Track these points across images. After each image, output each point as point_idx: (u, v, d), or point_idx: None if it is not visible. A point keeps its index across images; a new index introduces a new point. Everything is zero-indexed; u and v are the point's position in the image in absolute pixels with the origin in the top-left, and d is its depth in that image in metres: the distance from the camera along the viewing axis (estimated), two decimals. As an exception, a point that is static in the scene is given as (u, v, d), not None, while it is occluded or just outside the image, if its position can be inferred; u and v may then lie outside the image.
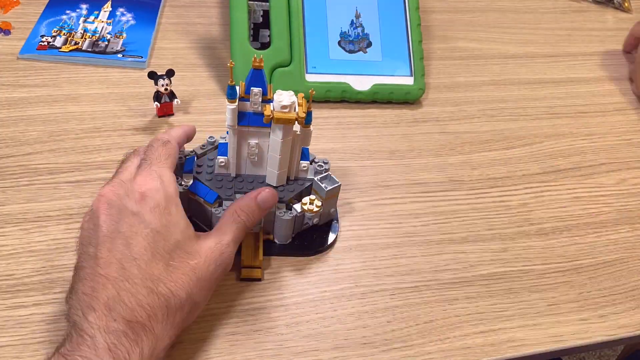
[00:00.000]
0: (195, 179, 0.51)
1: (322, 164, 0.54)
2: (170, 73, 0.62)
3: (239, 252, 0.49)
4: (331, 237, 0.54)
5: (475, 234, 0.57)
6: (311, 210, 0.51)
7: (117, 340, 0.36)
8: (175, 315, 0.40)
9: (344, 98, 0.69)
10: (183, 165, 0.52)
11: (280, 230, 0.52)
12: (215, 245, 0.44)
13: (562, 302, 0.53)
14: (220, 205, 0.50)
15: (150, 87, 0.62)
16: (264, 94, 0.48)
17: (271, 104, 0.47)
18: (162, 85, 0.62)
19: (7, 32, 0.72)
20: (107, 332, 0.37)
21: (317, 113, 0.68)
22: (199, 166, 0.52)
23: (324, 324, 0.48)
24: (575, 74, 0.81)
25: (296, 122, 0.47)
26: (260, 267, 0.50)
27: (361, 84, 0.69)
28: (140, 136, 0.62)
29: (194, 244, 0.42)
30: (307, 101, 0.48)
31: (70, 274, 0.48)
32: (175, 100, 0.63)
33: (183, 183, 0.50)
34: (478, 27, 0.86)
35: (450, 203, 0.60)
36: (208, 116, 0.65)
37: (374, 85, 0.69)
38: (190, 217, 0.49)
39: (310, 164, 0.53)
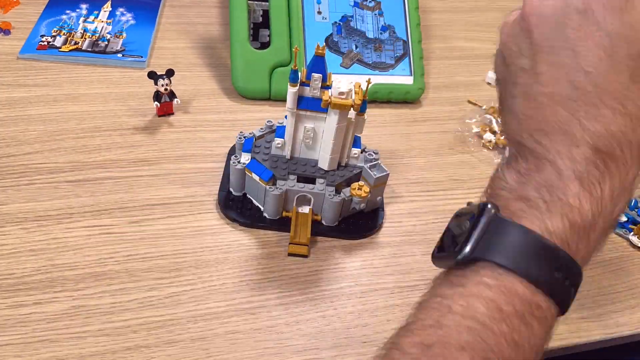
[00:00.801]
0: (252, 158, 0.54)
1: (372, 154, 0.56)
2: (170, 73, 0.62)
3: (288, 229, 0.53)
4: (377, 223, 0.56)
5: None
6: (359, 195, 0.53)
7: (586, 170, 0.31)
8: None
9: None
10: (242, 145, 0.55)
11: (329, 212, 0.54)
12: None
13: (561, 301, 0.53)
14: (274, 184, 0.53)
15: (150, 87, 0.62)
16: (324, 80, 0.50)
17: (329, 90, 0.49)
18: (162, 85, 0.62)
19: (7, 32, 0.72)
20: (570, 158, 0.31)
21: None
22: (256, 147, 0.55)
23: (324, 323, 0.48)
24: (574, 74, 0.81)
25: (352, 108, 0.49)
26: (307, 245, 0.52)
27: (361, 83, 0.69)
28: (140, 136, 0.62)
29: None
30: (364, 91, 0.50)
31: (71, 272, 0.49)
32: (175, 99, 0.63)
33: (241, 161, 0.53)
34: (477, 26, 0.86)
35: (450, 202, 0.60)
36: (208, 115, 0.66)
37: (374, 84, 0.69)
38: (244, 194, 0.55)
39: (362, 152, 0.55)
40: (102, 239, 0.52)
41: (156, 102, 0.63)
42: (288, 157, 0.54)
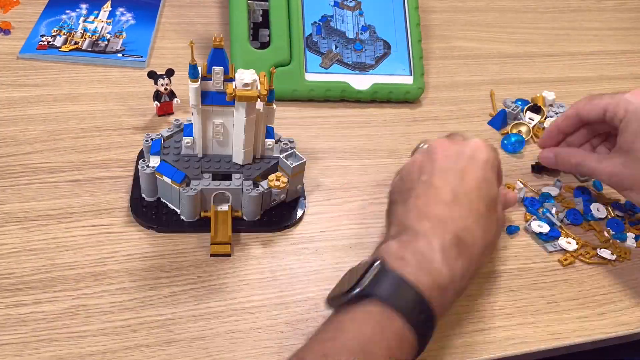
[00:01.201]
0: (162, 160, 0.52)
1: (288, 142, 0.55)
2: (169, 72, 0.62)
3: (208, 230, 0.51)
4: (299, 212, 0.56)
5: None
6: (278, 187, 0.52)
7: (449, 246, 0.41)
8: (487, 250, 0.45)
9: (344, 97, 0.69)
10: (149, 148, 0.53)
11: (249, 207, 0.53)
12: (502, 213, 0.48)
13: (561, 300, 0.53)
14: (188, 184, 0.51)
15: (150, 87, 0.63)
16: (226, 72, 0.48)
17: (233, 82, 0.48)
18: (162, 85, 0.62)
19: (7, 32, 0.72)
20: (442, 239, 0.42)
21: (317, 112, 0.68)
22: (165, 148, 0.53)
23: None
24: (573, 74, 0.81)
25: (259, 99, 0.48)
26: (229, 243, 0.51)
27: (361, 83, 0.69)
28: (140, 135, 0.62)
29: (497, 204, 0.47)
30: (269, 79, 0.49)
31: (71, 272, 0.49)
32: (175, 99, 0.63)
33: (150, 164, 0.51)
34: (477, 26, 0.87)
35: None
36: (208, 115, 0.66)
37: (374, 84, 0.69)
38: (158, 199, 0.53)
39: (276, 142, 0.55)
40: (102, 238, 0.52)
41: (156, 102, 0.63)
42: (200, 155, 0.52)
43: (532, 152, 0.67)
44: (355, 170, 0.62)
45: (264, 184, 0.53)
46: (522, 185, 0.63)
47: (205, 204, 0.52)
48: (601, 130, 0.58)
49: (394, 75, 0.70)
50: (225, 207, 0.53)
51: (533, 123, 0.70)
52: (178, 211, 0.53)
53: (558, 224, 0.58)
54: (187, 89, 0.67)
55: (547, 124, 0.70)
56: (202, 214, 0.53)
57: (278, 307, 0.49)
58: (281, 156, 0.53)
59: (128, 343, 0.45)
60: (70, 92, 0.66)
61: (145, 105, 0.65)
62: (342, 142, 0.65)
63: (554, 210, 0.59)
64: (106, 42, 0.72)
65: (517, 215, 0.60)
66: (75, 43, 0.71)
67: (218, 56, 0.47)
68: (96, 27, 0.74)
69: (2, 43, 0.71)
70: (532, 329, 0.50)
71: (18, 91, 0.65)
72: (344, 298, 0.40)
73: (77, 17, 0.75)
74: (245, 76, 0.47)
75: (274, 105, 0.51)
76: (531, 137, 0.69)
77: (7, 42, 0.71)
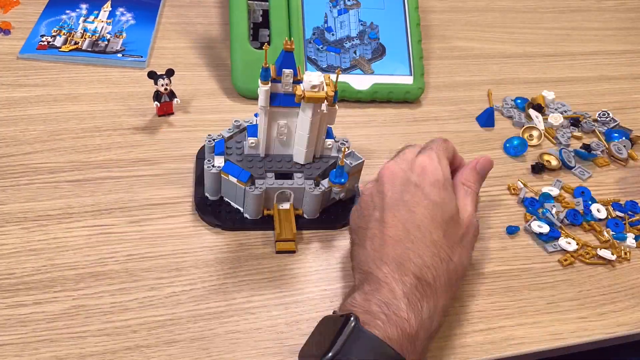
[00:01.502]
0: (227, 160, 0.53)
1: (344, 142, 0.56)
2: (170, 73, 0.62)
3: (270, 227, 0.53)
4: None
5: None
6: (338, 186, 0.53)
7: (412, 292, 0.41)
8: (454, 278, 0.44)
9: (344, 97, 0.69)
10: (213, 149, 0.54)
11: (310, 205, 0.54)
12: (469, 217, 0.47)
13: (561, 300, 0.53)
14: (253, 183, 0.52)
15: (150, 87, 0.63)
16: (294, 75, 0.50)
17: (301, 84, 0.49)
18: (162, 85, 0.62)
19: (7, 32, 0.72)
20: (402, 282, 0.41)
21: None
22: (228, 148, 0.54)
23: (324, 322, 0.48)
24: (573, 74, 0.81)
25: (325, 101, 0.49)
26: (294, 240, 0.53)
27: (361, 83, 0.69)
28: (140, 135, 0.62)
29: (459, 217, 0.46)
30: (334, 82, 0.50)
31: (71, 272, 0.49)
32: (175, 99, 0.63)
33: (215, 164, 0.53)
34: (477, 26, 0.87)
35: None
36: (208, 115, 0.66)
37: (374, 84, 0.69)
38: (221, 197, 0.54)
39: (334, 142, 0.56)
40: (102, 238, 0.52)
41: (156, 102, 0.63)
42: (262, 155, 0.54)
43: (532, 153, 0.67)
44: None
45: (324, 182, 0.54)
46: (522, 186, 0.63)
47: (267, 202, 0.54)
48: None
49: (394, 75, 0.70)
50: (286, 206, 0.54)
51: (540, 123, 0.70)
52: (241, 209, 0.54)
53: (558, 224, 0.58)
54: (186, 89, 0.68)
55: (551, 119, 0.71)
56: (265, 212, 0.54)
57: (278, 308, 0.49)
58: (340, 155, 0.55)
59: (128, 343, 0.45)
60: (70, 92, 0.66)
61: (145, 106, 0.65)
62: (342, 142, 0.65)
63: (554, 211, 0.59)
64: (106, 42, 0.72)
65: (517, 216, 0.60)
66: (75, 43, 0.71)
67: (288, 59, 0.48)
68: (96, 27, 0.74)
69: (2, 43, 0.71)
70: (532, 329, 0.50)
71: (18, 91, 0.65)
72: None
73: (77, 17, 0.75)
74: (313, 78, 0.48)
75: (337, 106, 0.52)
76: (542, 140, 0.69)
77: (7, 42, 0.71)
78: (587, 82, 0.80)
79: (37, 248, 0.50)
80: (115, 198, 0.55)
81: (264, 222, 0.54)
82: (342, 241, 0.55)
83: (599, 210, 0.60)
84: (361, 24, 0.71)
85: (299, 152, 0.53)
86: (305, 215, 0.55)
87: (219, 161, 0.53)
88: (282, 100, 0.50)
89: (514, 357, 0.49)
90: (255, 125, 0.53)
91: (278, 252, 0.53)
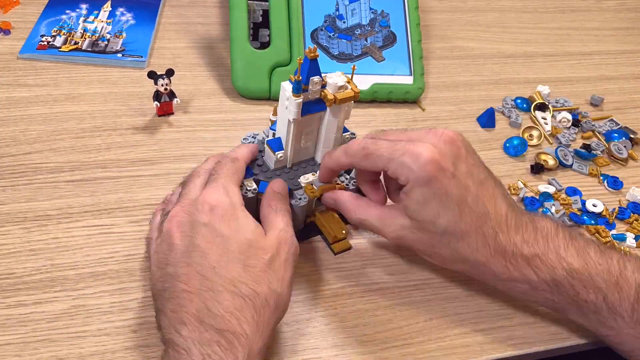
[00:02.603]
0: (258, 181, 0.52)
1: (353, 134, 0.56)
2: (169, 73, 0.62)
3: (321, 233, 0.53)
4: None
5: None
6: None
7: (211, 349, 0.37)
8: (263, 313, 0.40)
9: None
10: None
11: None
12: (279, 233, 0.44)
13: (561, 300, 0.53)
14: (291, 196, 0.51)
15: (150, 87, 0.63)
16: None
17: (326, 88, 0.49)
18: (162, 85, 0.62)
19: (7, 32, 0.72)
20: (201, 343, 0.37)
21: None
22: (251, 168, 0.53)
23: (324, 322, 0.48)
24: (573, 74, 0.81)
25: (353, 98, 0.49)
26: (346, 238, 0.53)
27: (360, 83, 0.69)
28: (140, 135, 0.62)
29: (264, 240, 0.43)
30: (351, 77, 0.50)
31: (71, 272, 0.49)
32: (175, 99, 0.63)
33: (250, 188, 0.50)
34: (477, 26, 0.87)
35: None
36: (208, 115, 0.66)
37: (374, 84, 0.69)
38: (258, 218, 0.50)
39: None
40: (102, 238, 0.52)
41: (156, 102, 0.63)
42: (289, 166, 0.53)
43: (532, 153, 0.67)
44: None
45: (353, 175, 0.54)
46: (522, 185, 0.63)
47: (307, 209, 0.53)
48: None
49: (394, 75, 0.70)
50: (323, 208, 0.54)
51: (548, 124, 0.70)
52: None
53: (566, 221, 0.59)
54: (186, 89, 0.68)
55: (559, 117, 0.71)
56: (307, 220, 0.54)
57: (278, 307, 0.49)
58: None
59: (128, 343, 0.45)
60: (70, 92, 0.66)
61: (145, 105, 0.65)
62: (342, 142, 0.65)
63: (553, 210, 0.59)
64: (106, 42, 0.72)
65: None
66: (75, 43, 0.71)
67: (314, 67, 0.48)
68: (96, 27, 0.74)
69: (2, 43, 0.71)
70: (533, 328, 0.50)
71: (18, 91, 0.65)
72: None
73: (77, 17, 0.75)
74: (337, 80, 0.48)
75: (352, 102, 0.51)
76: (544, 139, 0.69)
77: (7, 42, 0.71)
78: (587, 82, 0.80)
79: (37, 248, 0.50)
80: (115, 198, 0.55)
81: (309, 230, 0.54)
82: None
83: (595, 205, 0.60)
84: (372, 12, 0.71)
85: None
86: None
87: (251, 184, 0.51)
88: (311, 109, 0.49)
89: (514, 357, 0.49)
90: (277, 139, 0.52)
91: (337, 254, 0.53)
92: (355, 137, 0.56)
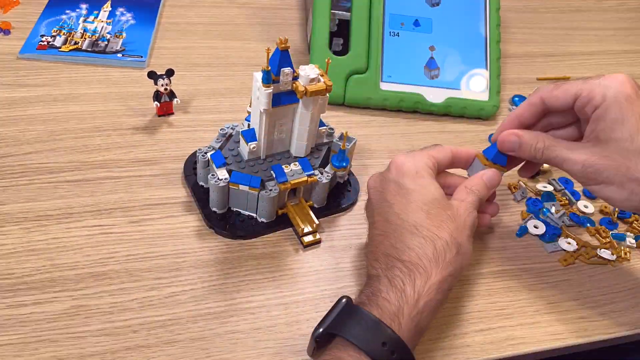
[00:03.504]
0: (231, 171, 0.52)
1: (331, 128, 0.57)
2: (169, 73, 0.62)
3: (286, 226, 0.54)
4: (357, 190, 0.59)
5: (475, 232, 0.57)
6: (342, 169, 0.55)
7: (394, 273, 0.43)
8: (445, 254, 0.44)
9: (417, 109, 0.69)
10: (207, 163, 0.54)
11: (319, 194, 0.55)
12: (461, 203, 0.48)
13: (561, 301, 0.53)
14: (264, 187, 0.52)
15: (150, 87, 0.63)
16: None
17: (298, 80, 0.49)
18: (162, 85, 0.62)
19: (7, 32, 0.72)
20: (387, 269, 0.44)
21: (389, 122, 0.69)
22: (225, 158, 0.53)
23: (324, 322, 0.48)
24: (574, 74, 0.81)
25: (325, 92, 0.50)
26: (317, 231, 0.54)
27: (435, 96, 0.69)
28: (140, 135, 0.62)
29: (446, 201, 0.48)
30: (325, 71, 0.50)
31: (71, 272, 0.49)
32: (175, 99, 0.63)
33: (221, 177, 0.52)
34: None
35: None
36: (208, 115, 0.66)
37: (448, 98, 0.69)
38: (230, 208, 0.54)
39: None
40: (102, 239, 0.52)
41: (156, 102, 0.63)
42: (263, 157, 0.54)
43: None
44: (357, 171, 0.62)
45: (328, 169, 0.55)
46: (524, 186, 0.63)
47: (279, 201, 0.54)
48: (563, 123, 0.51)
49: (470, 91, 0.70)
50: (296, 200, 0.55)
51: None
52: (254, 215, 0.54)
53: (560, 224, 0.58)
54: (186, 89, 0.68)
55: None
56: (279, 212, 0.55)
57: (278, 308, 0.49)
58: (334, 140, 0.56)
59: (128, 343, 0.45)
60: (70, 92, 0.66)
61: (145, 105, 0.65)
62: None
63: (553, 210, 0.59)
64: (106, 42, 0.72)
65: (516, 215, 0.60)
66: (75, 43, 0.71)
67: (285, 58, 0.48)
68: (96, 27, 0.74)
69: (2, 43, 0.71)
70: (532, 329, 0.50)
71: (18, 91, 0.65)
72: (314, 334, 0.43)
73: (77, 17, 0.75)
74: (309, 72, 0.49)
75: (327, 95, 0.52)
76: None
77: (7, 42, 0.71)
78: (587, 82, 0.80)
79: (37, 248, 0.50)
80: (115, 198, 0.55)
81: (280, 222, 0.55)
82: (342, 241, 0.55)
83: (585, 206, 0.61)
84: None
85: (300, 146, 0.54)
86: (315, 205, 0.56)
87: (223, 173, 0.52)
88: (282, 100, 0.50)
89: (514, 357, 0.49)
90: (251, 130, 0.52)
91: (306, 247, 0.53)
92: (333, 132, 0.57)
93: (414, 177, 0.48)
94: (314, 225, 0.53)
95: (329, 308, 0.49)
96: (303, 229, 0.53)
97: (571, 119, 0.50)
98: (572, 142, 0.49)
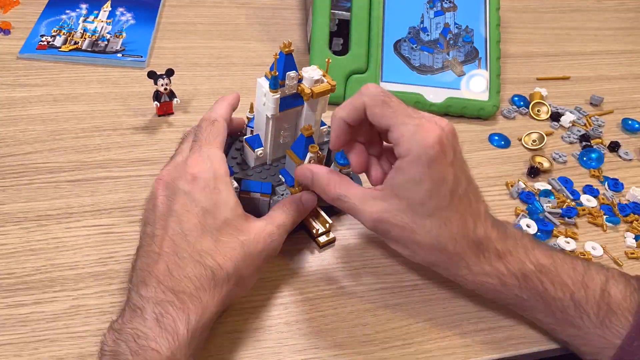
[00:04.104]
0: (239, 179, 0.52)
1: (329, 126, 0.56)
2: (169, 72, 0.62)
3: (304, 228, 0.53)
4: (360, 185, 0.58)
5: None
6: (346, 167, 0.54)
7: (164, 310, 0.39)
8: (222, 286, 0.41)
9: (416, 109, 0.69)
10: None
11: None
12: (266, 226, 0.45)
13: (561, 300, 0.53)
14: (274, 192, 0.52)
15: (150, 87, 0.63)
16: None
17: (302, 83, 0.49)
18: (162, 85, 0.62)
19: (7, 32, 0.72)
20: (156, 303, 0.39)
21: None
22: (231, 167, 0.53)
23: (324, 322, 0.48)
24: (574, 74, 0.81)
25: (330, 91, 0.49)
26: (330, 230, 0.53)
27: (435, 96, 0.69)
28: (140, 135, 0.62)
29: (243, 222, 0.44)
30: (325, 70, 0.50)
31: (70, 272, 0.49)
32: (175, 99, 0.63)
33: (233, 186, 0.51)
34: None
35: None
36: (208, 115, 0.66)
37: (448, 98, 0.69)
38: None
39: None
40: (102, 238, 0.52)
41: (156, 102, 0.63)
42: (269, 162, 0.53)
43: (528, 155, 0.67)
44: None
45: (333, 167, 0.54)
46: (523, 185, 0.63)
47: None
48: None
49: (469, 91, 0.70)
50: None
51: (557, 125, 0.71)
52: None
53: (555, 221, 0.58)
54: (186, 89, 0.68)
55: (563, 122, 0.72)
56: None
57: (278, 308, 0.49)
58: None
59: (128, 343, 0.45)
60: (70, 92, 0.66)
61: (145, 105, 0.65)
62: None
63: (549, 205, 0.59)
64: (106, 42, 0.72)
65: (512, 211, 0.60)
66: (75, 43, 0.71)
67: (290, 61, 0.48)
68: (96, 27, 0.74)
69: (2, 43, 0.71)
70: (532, 329, 0.50)
71: (18, 91, 0.65)
72: None
73: (77, 17, 0.75)
74: (313, 73, 0.48)
75: (329, 95, 0.51)
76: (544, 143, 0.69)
77: (7, 42, 0.71)
78: (587, 82, 0.80)
79: (36, 248, 0.50)
80: (115, 198, 0.55)
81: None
82: (343, 241, 0.55)
83: (588, 200, 0.61)
84: (456, 27, 0.72)
85: None
86: (322, 205, 0.55)
87: (232, 183, 0.50)
88: (288, 103, 0.50)
89: (514, 357, 0.49)
90: (255, 136, 0.52)
91: (322, 247, 0.53)
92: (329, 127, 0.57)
93: (211, 191, 0.43)
94: (327, 225, 0.53)
95: (329, 308, 0.49)
96: (318, 230, 0.52)
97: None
98: (367, 192, 0.45)
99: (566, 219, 0.59)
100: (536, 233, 0.57)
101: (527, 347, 0.49)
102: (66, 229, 0.52)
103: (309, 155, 0.50)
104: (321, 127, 0.55)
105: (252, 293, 0.49)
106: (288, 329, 0.48)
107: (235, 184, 0.51)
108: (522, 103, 0.74)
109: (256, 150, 0.52)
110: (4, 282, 0.47)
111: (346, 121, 0.45)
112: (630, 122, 0.73)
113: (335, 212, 0.56)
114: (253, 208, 0.52)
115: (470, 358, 0.48)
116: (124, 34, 0.74)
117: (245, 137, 0.53)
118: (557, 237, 0.58)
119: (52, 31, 0.72)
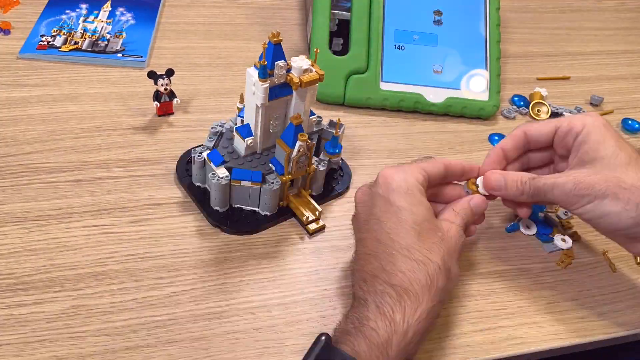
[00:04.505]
0: (230, 168, 0.53)
1: (319, 116, 0.58)
2: (169, 72, 0.62)
3: (289, 217, 0.55)
4: (349, 173, 0.60)
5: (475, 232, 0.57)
6: (336, 155, 0.56)
7: (383, 299, 0.42)
8: (437, 280, 0.43)
9: (416, 109, 0.69)
10: (203, 163, 0.53)
11: (318, 181, 0.56)
12: (452, 224, 0.47)
13: (561, 300, 0.53)
14: (265, 180, 0.52)
15: (150, 87, 0.63)
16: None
17: (290, 72, 0.50)
18: (162, 85, 0.62)
19: (7, 32, 0.72)
20: (375, 294, 0.42)
21: (390, 122, 0.69)
22: (222, 156, 0.54)
23: (324, 322, 0.48)
24: (574, 74, 0.81)
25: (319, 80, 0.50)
26: (320, 218, 0.55)
27: (435, 96, 0.69)
28: (140, 135, 0.62)
29: (437, 221, 0.47)
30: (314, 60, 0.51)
31: (71, 272, 0.49)
32: (175, 99, 0.63)
33: (222, 175, 0.52)
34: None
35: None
36: (208, 115, 0.65)
37: (448, 98, 0.69)
38: (231, 205, 0.54)
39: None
40: (102, 238, 0.52)
41: (156, 102, 0.63)
42: (259, 151, 0.54)
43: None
44: (356, 170, 0.62)
45: (323, 157, 0.55)
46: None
47: (280, 193, 0.54)
48: (539, 162, 0.53)
49: (469, 91, 0.70)
50: (295, 190, 0.56)
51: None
52: (256, 209, 0.55)
53: (555, 221, 0.59)
54: (186, 89, 0.68)
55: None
56: (280, 204, 0.55)
57: (278, 308, 0.49)
58: (324, 127, 0.57)
59: (128, 343, 0.45)
60: (70, 92, 0.66)
61: (145, 105, 0.65)
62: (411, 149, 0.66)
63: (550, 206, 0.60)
64: (106, 42, 0.72)
65: (510, 210, 0.60)
66: (75, 43, 0.71)
67: (278, 51, 0.49)
68: (96, 27, 0.74)
69: (2, 43, 0.71)
70: (532, 329, 0.50)
71: (18, 91, 0.65)
72: None
73: (77, 17, 0.75)
74: (302, 63, 0.49)
75: (317, 84, 0.52)
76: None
77: (7, 42, 0.71)
78: (586, 82, 0.80)
79: (36, 248, 0.50)
80: (115, 198, 0.55)
81: (282, 214, 0.55)
82: (342, 241, 0.55)
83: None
84: (457, 27, 0.72)
85: None
86: (313, 193, 0.57)
87: (223, 172, 0.52)
88: (277, 93, 0.50)
89: (514, 357, 0.49)
90: (245, 126, 0.53)
91: (312, 234, 0.54)
92: (321, 120, 0.58)
93: (404, 194, 0.45)
94: (317, 212, 0.54)
95: (329, 308, 0.49)
96: (307, 218, 0.54)
97: (548, 157, 0.53)
98: (554, 175, 0.48)
99: (566, 218, 0.59)
100: (536, 233, 0.57)
101: (527, 348, 0.49)
102: (66, 229, 0.52)
103: (298, 143, 0.50)
104: (310, 117, 0.56)
105: (252, 293, 0.50)
106: (288, 329, 0.48)
107: (227, 173, 0.52)
108: (522, 103, 0.74)
109: (246, 139, 0.52)
110: (4, 282, 0.48)
111: (504, 151, 0.51)
112: (630, 122, 0.73)
113: (324, 200, 0.57)
114: (244, 196, 0.53)
115: (470, 358, 0.48)
116: (124, 34, 0.74)
117: (235, 126, 0.54)
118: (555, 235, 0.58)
119: (52, 31, 0.72)
